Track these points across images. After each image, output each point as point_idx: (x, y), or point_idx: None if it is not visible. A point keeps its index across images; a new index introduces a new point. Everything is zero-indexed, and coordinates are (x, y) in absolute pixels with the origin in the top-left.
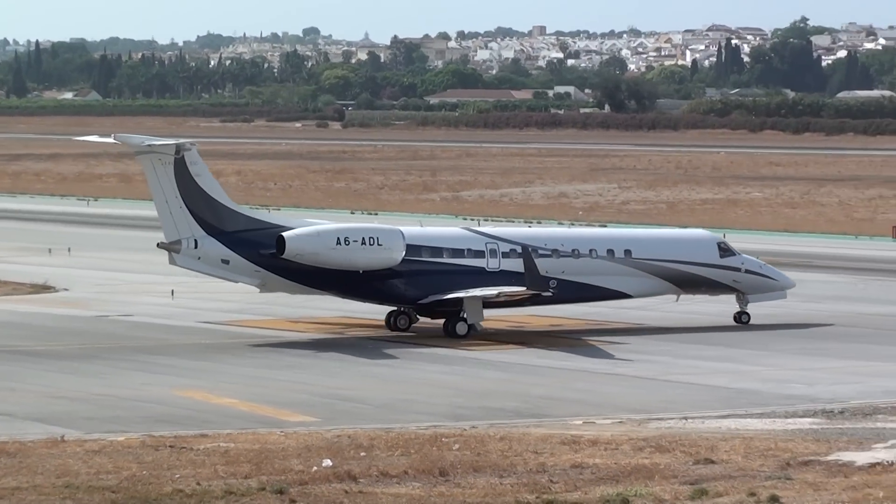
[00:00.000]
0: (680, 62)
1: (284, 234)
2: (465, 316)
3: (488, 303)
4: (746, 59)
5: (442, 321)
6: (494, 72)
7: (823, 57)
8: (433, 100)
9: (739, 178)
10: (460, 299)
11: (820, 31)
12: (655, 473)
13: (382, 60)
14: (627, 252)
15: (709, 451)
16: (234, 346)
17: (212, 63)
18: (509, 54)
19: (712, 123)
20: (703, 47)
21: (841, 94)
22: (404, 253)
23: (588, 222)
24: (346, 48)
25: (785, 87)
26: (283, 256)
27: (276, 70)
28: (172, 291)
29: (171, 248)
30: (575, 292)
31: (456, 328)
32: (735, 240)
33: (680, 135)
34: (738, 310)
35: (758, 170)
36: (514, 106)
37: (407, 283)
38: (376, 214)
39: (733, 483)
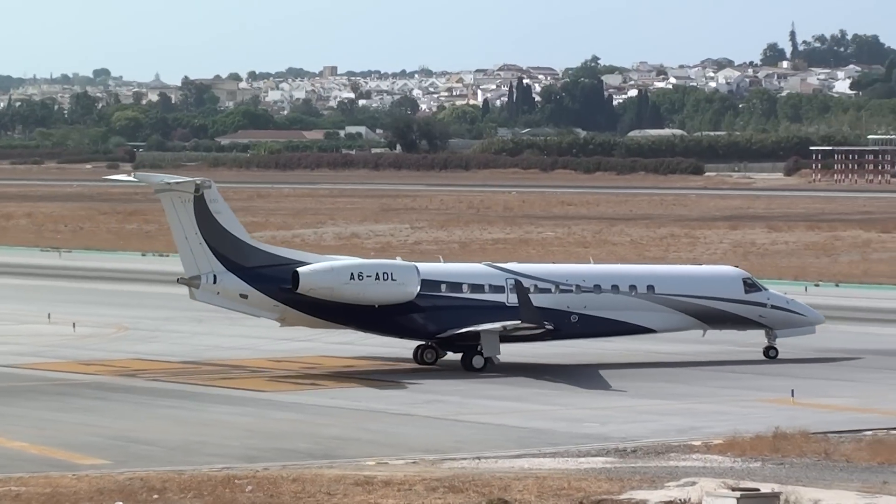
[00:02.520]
0: (471, 102)
1: (299, 269)
2: (481, 350)
3: (506, 337)
4: (538, 98)
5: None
6: (286, 112)
7: (615, 96)
8: (224, 141)
9: (531, 218)
10: (477, 333)
11: (611, 70)
12: None
13: (173, 101)
14: (650, 287)
15: (502, 491)
16: (25, 389)
17: (1, 105)
18: (300, 95)
19: (504, 163)
20: (494, 87)
21: (632, 133)
22: (419, 288)
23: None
24: (136, 89)
25: (576, 127)
26: (298, 291)
27: (66, 112)
28: None
29: (190, 283)
30: (597, 327)
31: (472, 361)
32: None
33: (471, 174)
34: (767, 344)
35: (550, 209)
36: (305, 147)
37: (424, 318)
38: (168, 256)
39: None
